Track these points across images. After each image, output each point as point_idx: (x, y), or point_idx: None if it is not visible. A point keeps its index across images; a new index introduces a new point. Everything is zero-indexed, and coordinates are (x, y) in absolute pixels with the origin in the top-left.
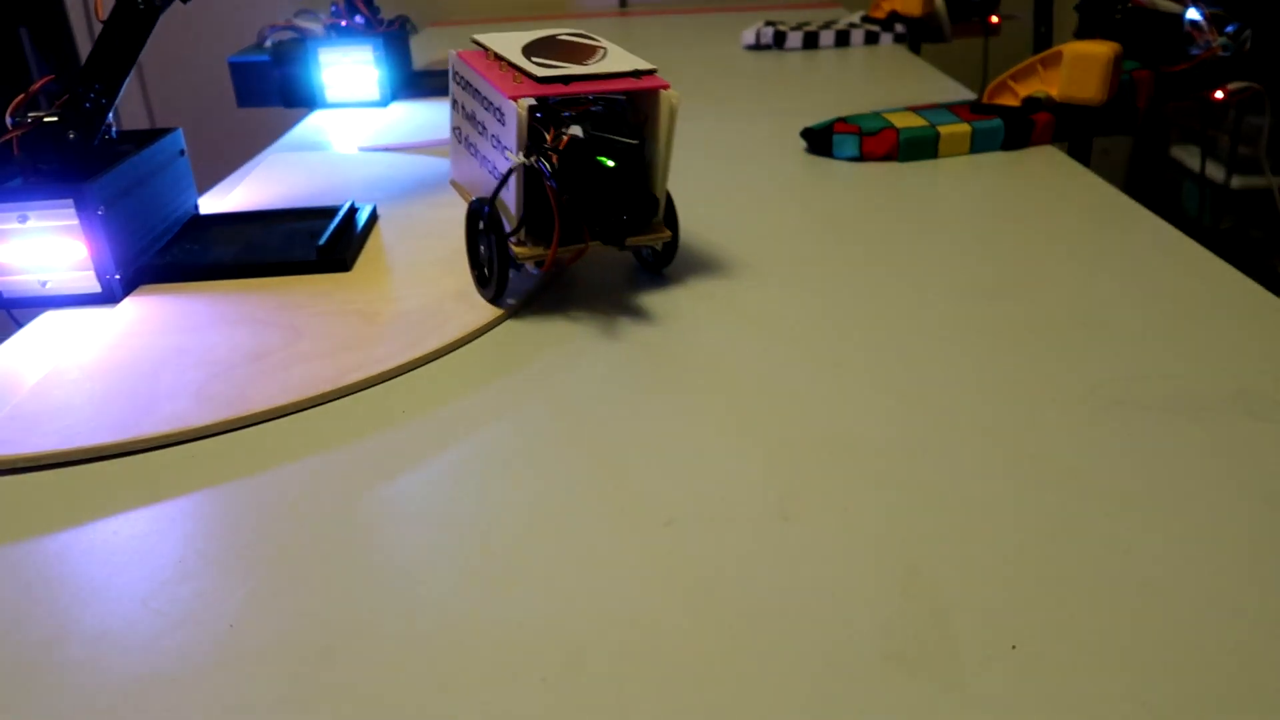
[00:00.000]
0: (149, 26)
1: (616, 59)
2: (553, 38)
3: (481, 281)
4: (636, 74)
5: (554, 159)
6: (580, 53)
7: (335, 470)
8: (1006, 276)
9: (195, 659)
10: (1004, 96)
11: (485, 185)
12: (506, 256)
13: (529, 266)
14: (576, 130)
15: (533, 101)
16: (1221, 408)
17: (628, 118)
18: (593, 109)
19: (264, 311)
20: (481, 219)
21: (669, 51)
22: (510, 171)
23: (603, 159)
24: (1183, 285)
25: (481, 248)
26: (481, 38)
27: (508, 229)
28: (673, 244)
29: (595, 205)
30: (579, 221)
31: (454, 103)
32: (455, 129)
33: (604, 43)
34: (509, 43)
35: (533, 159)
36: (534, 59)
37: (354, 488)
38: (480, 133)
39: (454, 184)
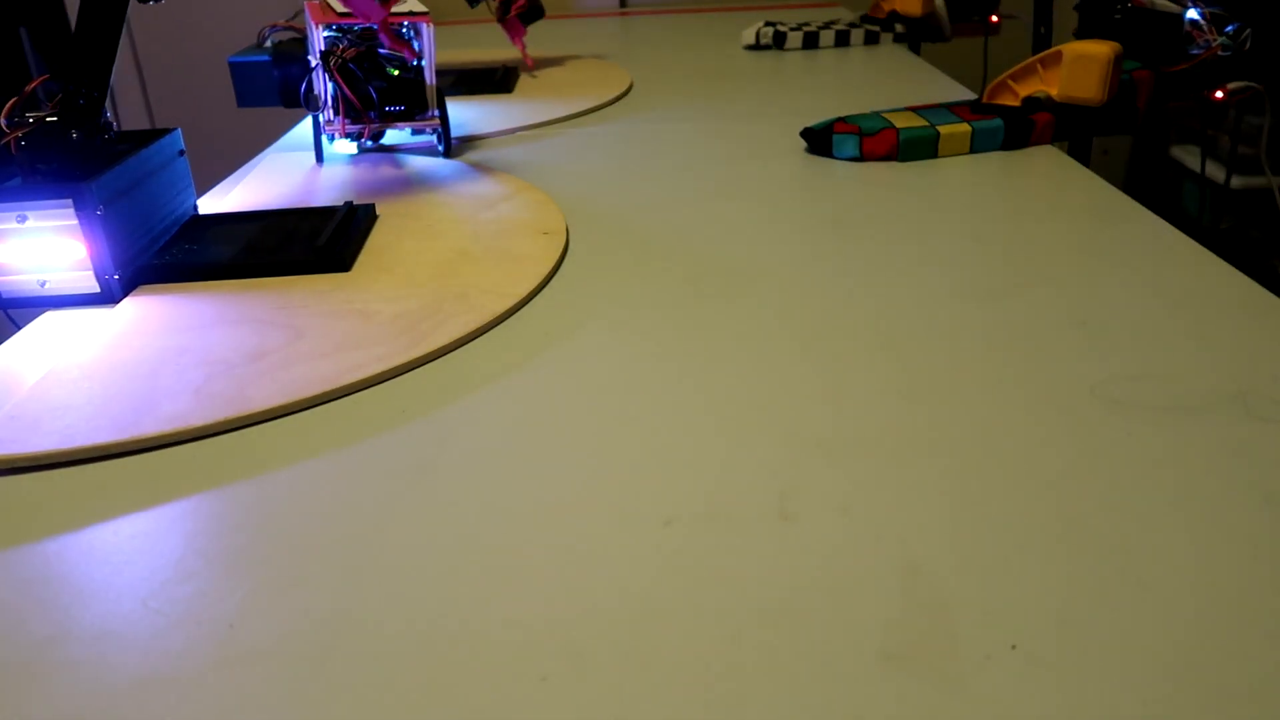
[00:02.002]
0: (121, 12)
1: (401, 8)
2: None
3: (315, 148)
4: (411, 12)
5: (334, 63)
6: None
7: (335, 470)
8: (1006, 276)
9: (195, 659)
10: (1004, 96)
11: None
12: (320, 130)
13: (337, 136)
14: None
15: (330, 30)
16: (1221, 408)
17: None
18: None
19: (264, 311)
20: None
21: (669, 51)
22: (312, 69)
23: (392, 69)
24: (1183, 285)
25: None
26: None
27: (327, 116)
28: (445, 132)
29: (384, 99)
30: (374, 111)
31: (309, 38)
32: (308, 58)
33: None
34: None
35: (322, 62)
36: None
37: (354, 487)
38: (311, 52)
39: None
